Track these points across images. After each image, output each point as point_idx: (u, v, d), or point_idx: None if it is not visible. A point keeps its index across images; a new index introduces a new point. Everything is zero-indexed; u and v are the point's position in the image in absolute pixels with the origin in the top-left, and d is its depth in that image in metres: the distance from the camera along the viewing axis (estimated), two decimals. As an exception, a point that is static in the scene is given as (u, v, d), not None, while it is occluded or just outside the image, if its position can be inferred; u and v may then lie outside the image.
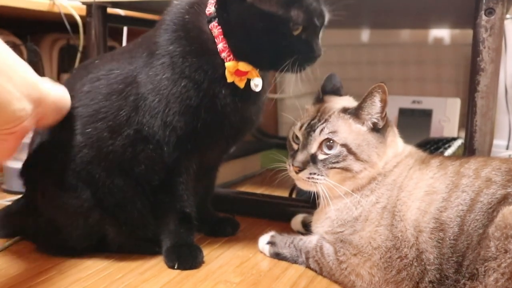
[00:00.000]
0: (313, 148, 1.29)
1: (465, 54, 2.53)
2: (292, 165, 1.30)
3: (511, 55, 2.46)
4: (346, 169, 1.28)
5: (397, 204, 1.24)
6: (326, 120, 1.30)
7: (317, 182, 1.29)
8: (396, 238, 1.20)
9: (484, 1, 1.40)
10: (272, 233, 1.47)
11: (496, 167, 1.19)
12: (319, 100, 1.41)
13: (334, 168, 1.28)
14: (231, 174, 2.09)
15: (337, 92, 1.46)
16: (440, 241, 1.14)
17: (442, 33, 2.66)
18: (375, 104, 1.28)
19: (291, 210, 1.69)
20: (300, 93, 2.47)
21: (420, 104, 2.29)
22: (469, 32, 1.50)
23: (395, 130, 1.39)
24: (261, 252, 1.46)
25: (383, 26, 2.62)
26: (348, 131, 1.29)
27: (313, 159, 1.29)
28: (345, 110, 1.31)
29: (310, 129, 1.31)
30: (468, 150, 1.48)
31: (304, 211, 1.63)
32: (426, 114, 2.28)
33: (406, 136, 1.41)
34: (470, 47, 1.46)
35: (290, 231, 1.58)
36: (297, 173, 1.30)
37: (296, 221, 1.63)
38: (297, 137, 1.35)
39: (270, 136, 2.84)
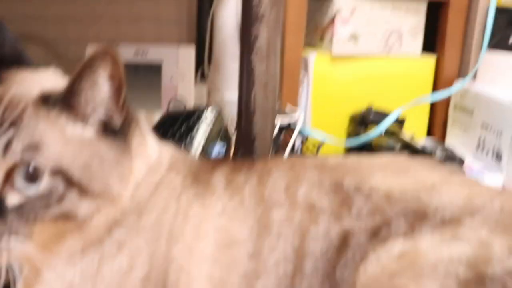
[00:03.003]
0: None
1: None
2: None
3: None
4: (66, 217, 0.66)
5: (170, 269, 0.70)
6: (14, 123, 0.65)
7: (8, 253, 0.65)
8: None
9: None
10: None
11: (316, 181, 0.75)
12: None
13: (43, 218, 0.65)
14: None
15: (20, 59, 0.79)
16: (258, 337, 0.65)
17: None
18: (100, 87, 0.69)
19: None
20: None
21: (145, 56, 1.73)
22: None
23: (143, 125, 0.81)
24: None
25: None
26: (62, 141, 0.67)
27: None
28: (46, 99, 0.68)
29: None
30: (243, 139, 1.01)
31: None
32: (154, 70, 1.73)
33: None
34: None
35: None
36: None
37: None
38: None
39: None
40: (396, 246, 0.66)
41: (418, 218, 0.70)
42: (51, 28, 2.07)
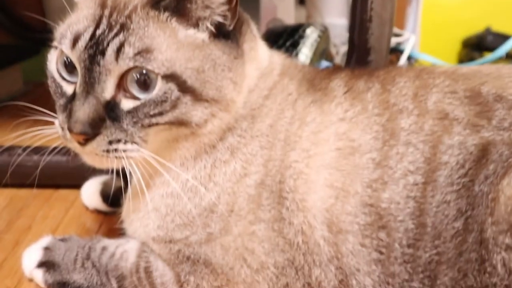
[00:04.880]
0: (107, 89, 0.61)
1: None
2: (69, 129, 0.61)
3: None
4: (180, 123, 0.63)
5: (286, 175, 0.66)
6: (124, 26, 0.62)
7: (125, 157, 0.63)
8: (292, 246, 0.64)
9: None
10: (47, 239, 0.79)
11: (448, 88, 0.67)
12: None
13: (158, 124, 0.62)
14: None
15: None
16: (383, 251, 0.60)
17: None
18: None
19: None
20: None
21: (244, -25, 1.66)
22: None
23: (254, 28, 0.75)
24: (31, 280, 0.78)
25: None
26: (173, 46, 0.62)
27: (111, 111, 0.62)
28: (157, 1, 0.63)
29: (95, 49, 0.61)
30: (357, 51, 0.93)
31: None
32: (253, -10, 1.66)
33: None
34: None
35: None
36: (82, 144, 0.61)
37: (90, 192, 0.96)
38: (70, 64, 0.64)
39: (35, 30, 1.97)
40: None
41: None
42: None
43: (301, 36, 1.21)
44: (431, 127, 0.63)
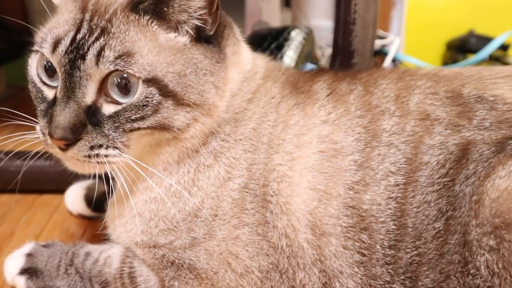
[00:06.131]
0: (88, 94, 0.61)
1: None
2: (50, 134, 0.60)
3: None
4: (162, 128, 0.63)
5: (270, 179, 0.65)
6: (104, 30, 0.61)
7: (107, 162, 0.63)
8: (276, 250, 0.64)
9: None
10: (29, 245, 0.78)
11: (429, 90, 0.68)
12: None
13: (139, 129, 0.62)
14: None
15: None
16: (365, 253, 0.60)
17: None
18: None
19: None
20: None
21: (229, -22, 1.66)
22: None
23: (237, 32, 0.75)
24: (13, 287, 0.77)
25: None
26: (154, 50, 0.62)
27: (92, 116, 0.62)
28: (136, 5, 0.63)
29: (76, 53, 0.60)
30: (341, 53, 0.94)
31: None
32: (238, -7, 1.66)
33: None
34: None
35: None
36: (64, 149, 0.61)
37: (74, 197, 0.95)
38: (50, 68, 0.64)
39: (18, 33, 1.95)
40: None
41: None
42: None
43: (286, 39, 1.21)
44: (412, 128, 0.64)
